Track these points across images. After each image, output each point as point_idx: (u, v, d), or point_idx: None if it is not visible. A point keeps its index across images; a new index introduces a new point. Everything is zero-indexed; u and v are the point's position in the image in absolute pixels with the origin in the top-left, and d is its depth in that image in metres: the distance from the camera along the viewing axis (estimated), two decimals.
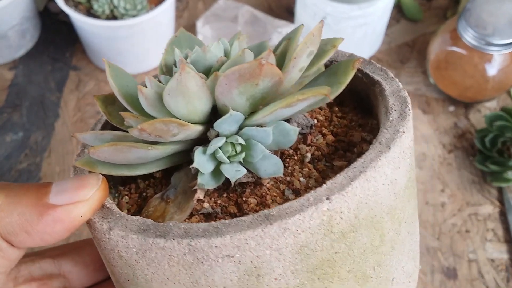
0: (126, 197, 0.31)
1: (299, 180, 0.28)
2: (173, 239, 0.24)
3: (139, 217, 0.26)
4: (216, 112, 0.27)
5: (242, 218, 0.24)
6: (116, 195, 0.32)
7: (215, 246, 0.23)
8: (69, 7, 0.64)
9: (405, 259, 0.30)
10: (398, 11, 0.78)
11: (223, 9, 0.74)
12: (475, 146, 0.65)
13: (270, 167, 0.27)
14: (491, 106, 0.69)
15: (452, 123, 0.67)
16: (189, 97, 0.25)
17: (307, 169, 0.29)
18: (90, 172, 0.28)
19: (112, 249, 0.26)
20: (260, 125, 0.27)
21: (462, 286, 0.55)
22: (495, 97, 0.68)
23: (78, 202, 0.26)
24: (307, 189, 0.28)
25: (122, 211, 0.30)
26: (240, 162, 0.28)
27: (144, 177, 0.32)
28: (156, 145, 0.27)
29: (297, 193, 0.28)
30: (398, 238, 0.29)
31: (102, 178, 0.27)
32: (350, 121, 0.32)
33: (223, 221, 0.24)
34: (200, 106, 0.26)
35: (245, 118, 0.27)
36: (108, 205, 0.27)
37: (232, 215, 0.28)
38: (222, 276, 0.24)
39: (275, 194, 0.28)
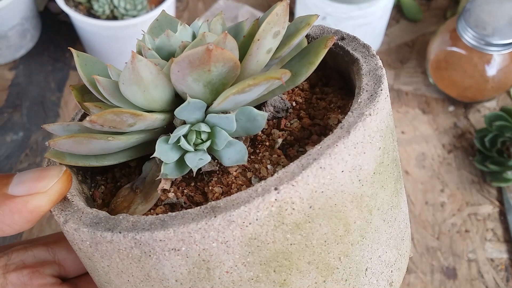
0: (102, 187, 0.30)
1: (266, 168, 0.27)
2: (120, 232, 0.24)
3: (94, 209, 0.26)
4: (180, 100, 0.26)
5: (189, 210, 0.23)
6: (93, 185, 0.31)
7: (160, 240, 0.23)
8: (69, 7, 0.64)
9: (382, 248, 0.29)
10: (398, 11, 0.78)
11: (223, 9, 0.74)
12: (474, 145, 0.65)
13: (234, 154, 0.26)
14: (490, 106, 0.69)
15: (452, 123, 0.68)
16: (145, 86, 0.24)
17: (276, 155, 0.28)
18: (60, 164, 0.28)
19: (71, 241, 0.26)
20: (225, 112, 0.26)
21: (461, 286, 0.55)
22: (495, 97, 0.68)
23: (36, 193, 0.25)
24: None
25: (96, 201, 0.30)
26: (205, 150, 0.27)
27: (121, 166, 0.31)
28: (118, 135, 0.26)
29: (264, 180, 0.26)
30: (369, 226, 0.27)
31: (64, 170, 0.27)
32: (329, 103, 0.30)
33: (170, 213, 0.23)
34: (158, 95, 0.25)
35: (209, 106, 0.26)
36: (69, 197, 0.27)
37: (198, 205, 0.27)
38: (171, 269, 0.24)
39: (241, 182, 0.27)
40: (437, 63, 0.67)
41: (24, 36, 0.72)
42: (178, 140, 0.26)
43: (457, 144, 0.66)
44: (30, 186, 0.26)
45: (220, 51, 0.23)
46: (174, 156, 0.27)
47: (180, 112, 0.26)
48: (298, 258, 0.24)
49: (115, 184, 0.31)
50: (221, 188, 0.27)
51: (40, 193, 0.25)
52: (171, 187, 0.28)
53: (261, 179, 0.26)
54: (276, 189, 0.22)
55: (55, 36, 0.76)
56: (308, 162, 0.23)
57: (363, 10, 0.63)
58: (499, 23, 0.60)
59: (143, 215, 0.26)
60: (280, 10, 0.25)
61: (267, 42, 0.25)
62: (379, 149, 0.26)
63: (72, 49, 0.27)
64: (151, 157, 0.27)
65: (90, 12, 0.66)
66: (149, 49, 0.25)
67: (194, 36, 0.27)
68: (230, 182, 0.27)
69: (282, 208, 0.23)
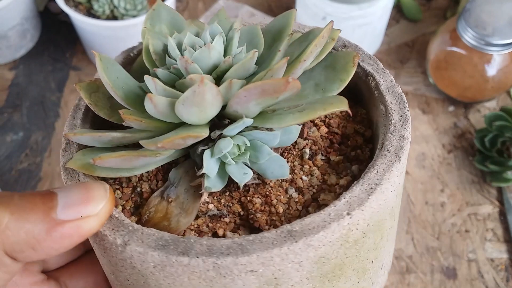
0: (118, 192, 0.30)
1: (301, 179, 0.29)
2: (197, 257, 0.24)
3: (154, 230, 0.25)
4: (220, 114, 0.27)
5: (265, 234, 0.24)
6: None
7: (241, 264, 0.24)
8: (69, 7, 0.64)
9: (391, 245, 0.32)
10: (398, 11, 0.78)
11: None
12: (474, 145, 0.65)
13: (278, 169, 0.27)
14: (490, 106, 0.69)
15: (452, 123, 0.68)
16: (204, 107, 0.25)
17: (307, 166, 0.29)
18: (85, 174, 0.28)
19: (124, 259, 0.26)
20: (270, 129, 0.27)
21: (461, 286, 0.55)
22: (495, 97, 0.68)
23: (87, 217, 0.24)
24: (310, 187, 0.29)
25: (117, 207, 0.29)
26: (245, 164, 0.28)
27: None
28: (164, 150, 0.26)
29: (300, 192, 0.28)
30: (392, 230, 0.30)
31: (109, 188, 0.26)
32: (340, 111, 0.32)
33: (245, 236, 0.24)
34: (211, 113, 0.26)
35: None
36: (116, 215, 0.26)
37: (237, 215, 0.28)
38: (242, 287, 0.25)
39: (278, 193, 0.28)
40: (437, 63, 0.67)
41: (24, 36, 0.72)
42: (223, 155, 0.27)
43: (457, 143, 0.66)
44: (79, 209, 0.24)
45: (296, 83, 0.24)
46: (216, 169, 0.27)
47: (231, 130, 0.26)
48: (348, 267, 0.27)
49: (134, 189, 0.30)
50: (260, 198, 0.28)
51: (91, 216, 0.24)
52: (207, 197, 0.28)
53: (297, 189, 0.28)
54: (348, 214, 0.25)
55: (55, 36, 0.76)
56: (371, 187, 0.26)
57: (363, 10, 0.63)
58: (499, 23, 0.60)
59: (188, 228, 0.27)
60: (326, 33, 0.27)
61: (309, 62, 0.27)
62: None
63: (95, 52, 0.27)
64: (180, 162, 0.28)
65: (90, 12, 0.66)
66: (192, 62, 0.26)
67: (225, 47, 0.28)
68: (267, 192, 0.28)
69: (350, 229, 0.25)
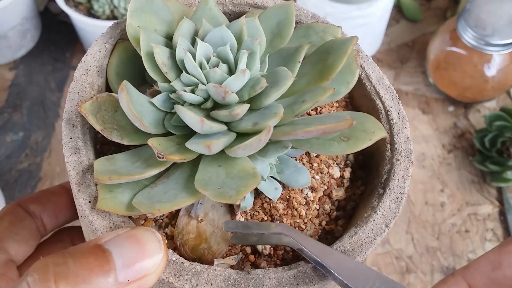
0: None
1: (314, 178, 0.30)
2: None
3: (218, 268, 0.25)
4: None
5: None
6: None
7: None
8: (69, 7, 0.64)
9: None
10: (398, 11, 0.78)
11: None
12: (474, 145, 0.65)
13: (302, 178, 0.29)
14: (490, 106, 0.69)
15: (452, 123, 0.68)
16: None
17: (316, 164, 0.30)
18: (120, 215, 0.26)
19: None
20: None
21: None
22: (495, 97, 0.68)
23: (146, 275, 0.24)
24: (322, 184, 0.30)
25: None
26: (274, 178, 0.29)
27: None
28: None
29: (314, 189, 0.30)
30: None
31: (162, 239, 0.25)
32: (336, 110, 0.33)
33: (307, 264, 0.25)
34: None
35: None
36: (173, 258, 0.25)
37: (263, 221, 0.29)
38: None
39: (297, 195, 0.29)
40: (437, 63, 0.67)
41: (24, 36, 0.72)
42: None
43: (457, 144, 0.66)
44: (138, 269, 0.23)
45: (353, 121, 0.25)
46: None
47: (271, 155, 0.27)
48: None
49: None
50: (282, 203, 0.29)
51: (150, 273, 0.24)
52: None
53: (310, 188, 0.30)
54: (387, 226, 0.28)
55: (55, 36, 0.76)
56: (398, 196, 0.28)
57: (363, 10, 0.63)
58: (499, 23, 0.60)
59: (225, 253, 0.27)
60: (350, 51, 0.27)
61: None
62: None
63: (122, 86, 0.25)
64: None
65: (90, 12, 0.66)
66: (232, 92, 0.25)
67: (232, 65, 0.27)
68: (288, 196, 0.29)
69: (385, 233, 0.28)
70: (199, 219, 0.27)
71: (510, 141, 0.60)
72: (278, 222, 0.28)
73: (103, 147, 0.30)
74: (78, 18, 0.64)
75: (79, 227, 0.37)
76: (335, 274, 0.24)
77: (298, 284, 0.25)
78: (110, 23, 0.63)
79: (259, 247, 0.28)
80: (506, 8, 0.61)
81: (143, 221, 0.28)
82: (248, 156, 0.26)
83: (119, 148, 0.29)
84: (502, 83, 0.64)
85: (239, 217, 0.28)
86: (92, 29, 0.65)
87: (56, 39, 0.76)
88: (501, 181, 0.60)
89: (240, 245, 0.28)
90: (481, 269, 0.25)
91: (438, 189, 0.62)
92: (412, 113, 0.69)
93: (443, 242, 0.58)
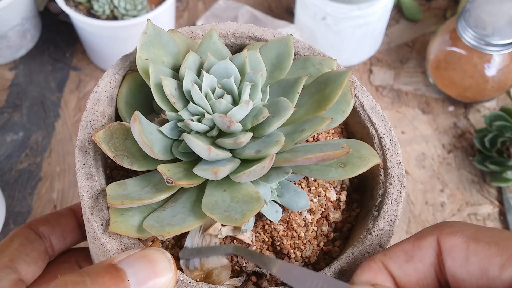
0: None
1: (312, 201, 0.31)
2: None
3: (223, 287, 0.27)
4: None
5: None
6: None
7: None
8: (69, 7, 0.64)
9: None
10: (398, 11, 0.78)
11: (223, 10, 0.74)
12: (474, 145, 0.65)
13: (301, 201, 0.30)
14: (490, 106, 0.69)
15: (452, 123, 0.68)
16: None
17: (314, 188, 0.32)
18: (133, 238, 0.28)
19: None
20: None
21: None
22: (495, 97, 0.68)
23: None
24: (320, 207, 0.31)
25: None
26: (275, 202, 0.30)
27: None
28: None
29: (312, 212, 0.31)
30: None
31: (171, 259, 0.26)
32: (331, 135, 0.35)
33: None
34: None
35: None
36: (181, 278, 0.27)
37: (262, 242, 0.30)
38: None
39: (296, 217, 0.31)
40: (437, 63, 0.67)
41: (24, 36, 0.72)
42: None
43: (457, 144, 0.66)
44: (150, 286, 0.25)
45: (349, 149, 0.26)
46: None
47: (273, 179, 0.28)
48: None
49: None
50: (282, 225, 0.30)
51: None
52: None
53: (308, 211, 0.31)
54: (381, 246, 0.29)
55: (55, 36, 0.76)
56: (391, 218, 0.30)
57: (363, 10, 0.63)
58: (499, 23, 0.60)
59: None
60: (345, 84, 0.29)
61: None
62: None
63: (135, 117, 0.26)
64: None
65: (90, 12, 0.66)
66: (237, 122, 0.27)
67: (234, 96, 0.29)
68: (287, 218, 0.31)
69: None
70: (203, 268, 0.29)
71: (510, 141, 0.60)
72: (279, 243, 0.30)
73: (112, 172, 0.32)
74: (78, 18, 0.64)
75: (84, 249, 0.39)
76: (280, 277, 0.26)
77: None
78: (110, 23, 0.63)
79: (260, 270, 0.29)
80: (506, 8, 0.61)
81: (151, 243, 0.29)
82: (251, 181, 0.28)
83: (127, 173, 0.31)
84: (502, 83, 0.64)
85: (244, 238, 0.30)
86: (92, 29, 0.65)
87: (56, 39, 0.76)
88: (501, 181, 0.60)
89: (242, 267, 0.30)
90: (396, 258, 0.25)
91: (438, 189, 0.62)
92: (412, 113, 0.69)
93: None
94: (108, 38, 0.66)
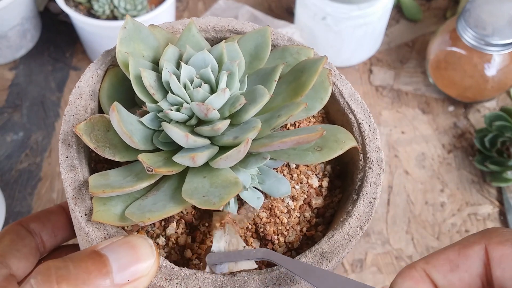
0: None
1: (294, 187, 0.32)
2: None
3: (206, 273, 0.27)
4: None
5: (303, 259, 0.28)
6: None
7: None
8: (69, 7, 0.64)
9: None
10: (398, 11, 0.78)
11: (223, 9, 0.74)
12: (474, 145, 0.65)
13: (282, 188, 0.30)
14: (490, 106, 0.69)
15: (452, 123, 0.68)
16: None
17: (296, 175, 0.32)
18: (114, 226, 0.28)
19: None
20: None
21: None
22: (495, 97, 0.68)
23: (141, 277, 0.26)
24: (302, 193, 0.32)
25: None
26: (256, 188, 0.30)
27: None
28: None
29: (294, 199, 0.32)
30: None
31: (153, 245, 0.27)
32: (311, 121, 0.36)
33: (286, 269, 0.27)
34: None
35: None
36: (164, 264, 0.27)
37: (246, 229, 0.31)
38: None
39: (279, 204, 0.31)
40: (437, 63, 0.67)
41: (24, 36, 0.72)
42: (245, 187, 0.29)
43: (457, 144, 0.66)
44: (133, 271, 0.26)
45: (323, 132, 0.27)
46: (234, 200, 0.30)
47: (252, 165, 0.29)
48: None
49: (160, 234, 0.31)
50: (265, 212, 0.31)
51: (144, 276, 0.26)
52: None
53: (291, 197, 0.32)
54: (361, 228, 0.29)
55: (55, 36, 0.76)
56: (370, 201, 0.30)
57: (363, 10, 0.63)
58: (499, 23, 0.60)
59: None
60: (320, 70, 0.29)
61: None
62: None
63: (114, 107, 0.27)
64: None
65: (90, 12, 0.66)
66: (214, 109, 0.28)
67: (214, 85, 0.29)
68: (270, 205, 0.31)
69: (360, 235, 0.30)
70: (234, 273, 0.29)
71: (510, 141, 0.60)
72: (262, 230, 0.30)
73: (97, 165, 0.32)
74: (78, 18, 0.64)
75: (76, 245, 0.39)
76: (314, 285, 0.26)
77: (280, 284, 0.27)
78: (110, 23, 0.63)
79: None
80: (506, 8, 0.61)
81: (136, 232, 0.30)
82: (231, 167, 0.28)
83: (111, 166, 0.32)
84: (502, 83, 0.64)
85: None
86: (92, 29, 0.65)
87: (56, 39, 0.76)
88: (501, 181, 0.60)
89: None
90: (440, 267, 0.25)
91: (438, 189, 0.62)
92: (412, 113, 0.69)
93: (443, 242, 0.58)
94: (108, 38, 0.66)
